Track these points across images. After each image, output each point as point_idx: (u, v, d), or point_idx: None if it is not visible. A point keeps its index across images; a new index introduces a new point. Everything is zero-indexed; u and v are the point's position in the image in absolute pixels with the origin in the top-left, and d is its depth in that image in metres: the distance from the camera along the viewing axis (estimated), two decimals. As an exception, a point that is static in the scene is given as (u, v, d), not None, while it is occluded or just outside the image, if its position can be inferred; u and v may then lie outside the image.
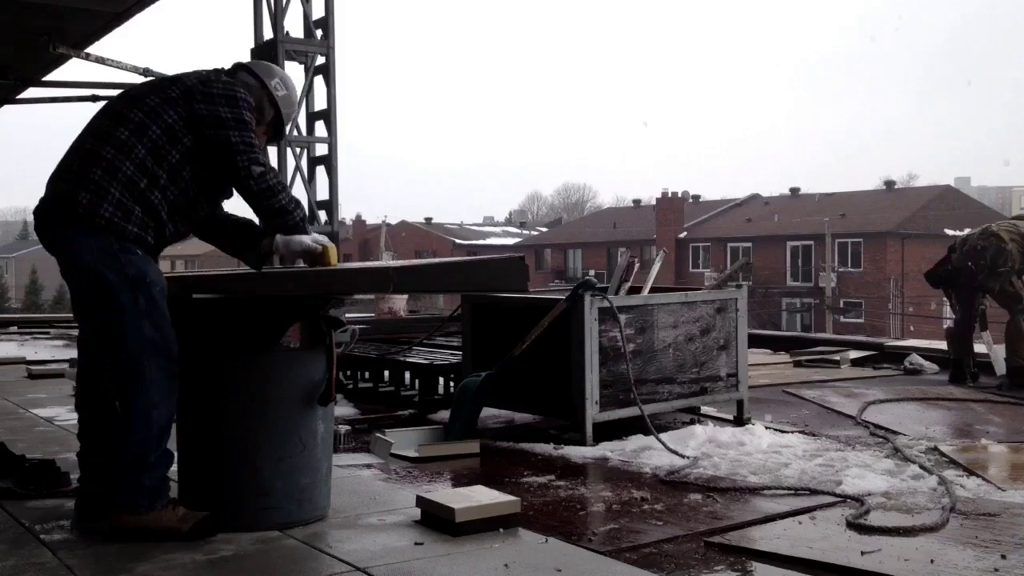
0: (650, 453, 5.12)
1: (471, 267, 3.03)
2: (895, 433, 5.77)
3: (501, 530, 3.45)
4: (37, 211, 3.43)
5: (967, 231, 8.49)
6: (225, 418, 3.55)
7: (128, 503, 3.33)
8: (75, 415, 6.13)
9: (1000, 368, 7.99)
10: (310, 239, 3.61)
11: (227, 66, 3.75)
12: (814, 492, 4.27)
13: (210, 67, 3.66)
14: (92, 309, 3.36)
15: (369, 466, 4.86)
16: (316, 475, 3.63)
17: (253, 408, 3.51)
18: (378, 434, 5.18)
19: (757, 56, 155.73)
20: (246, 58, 10.10)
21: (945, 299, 8.30)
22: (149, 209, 3.36)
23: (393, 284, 3.35)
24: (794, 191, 55.21)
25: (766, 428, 5.77)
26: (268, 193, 3.46)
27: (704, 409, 6.31)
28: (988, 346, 8.32)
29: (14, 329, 14.91)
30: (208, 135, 3.42)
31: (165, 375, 3.35)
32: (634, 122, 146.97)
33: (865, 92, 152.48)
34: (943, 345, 8.78)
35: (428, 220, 70.87)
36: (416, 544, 3.32)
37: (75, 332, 14.70)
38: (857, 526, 3.72)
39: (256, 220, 3.73)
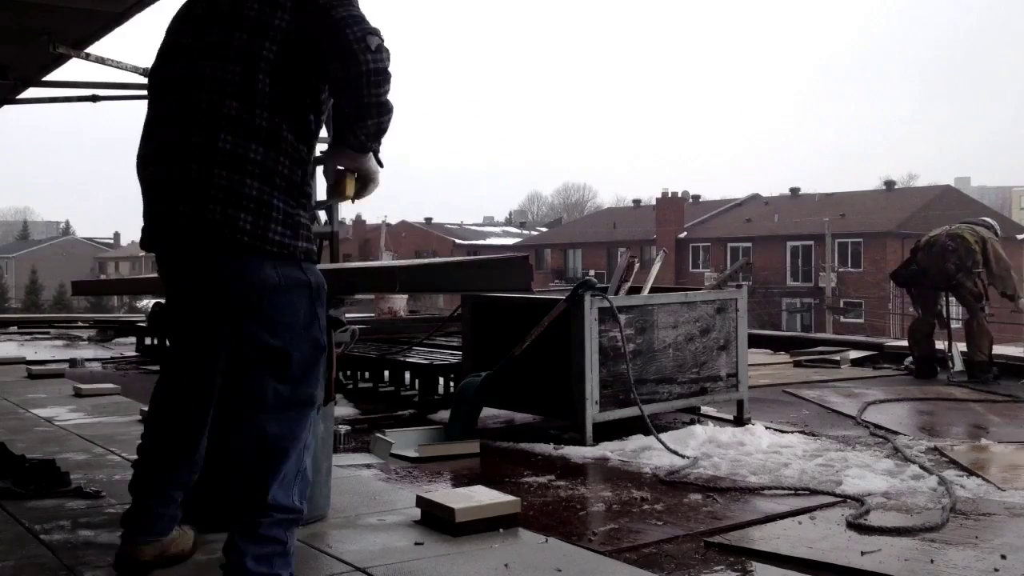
0: (650, 453, 5.13)
1: (475, 267, 3.03)
2: (895, 433, 5.78)
3: (501, 530, 3.45)
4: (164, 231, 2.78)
5: (933, 232, 8.89)
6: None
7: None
8: (75, 415, 6.18)
9: (958, 364, 8.40)
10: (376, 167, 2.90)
11: None
12: (814, 492, 4.27)
13: None
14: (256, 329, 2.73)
15: (369, 466, 4.86)
16: (316, 475, 3.62)
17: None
18: (378, 434, 5.18)
19: (757, 56, 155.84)
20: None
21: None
22: (293, 193, 2.75)
23: (399, 283, 3.34)
24: (794, 191, 55.24)
25: (766, 428, 5.77)
26: (381, 76, 2.62)
27: (704, 409, 6.31)
28: (949, 342, 8.69)
29: (14, 329, 14.91)
30: (314, 29, 2.64)
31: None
32: (634, 122, 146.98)
33: (865, 92, 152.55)
34: (943, 345, 8.81)
35: (428, 220, 70.90)
36: (416, 544, 3.32)
37: (75, 332, 14.66)
38: (857, 526, 3.72)
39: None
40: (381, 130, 2.74)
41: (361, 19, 2.65)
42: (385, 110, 2.69)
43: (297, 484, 2.73)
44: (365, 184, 2.93)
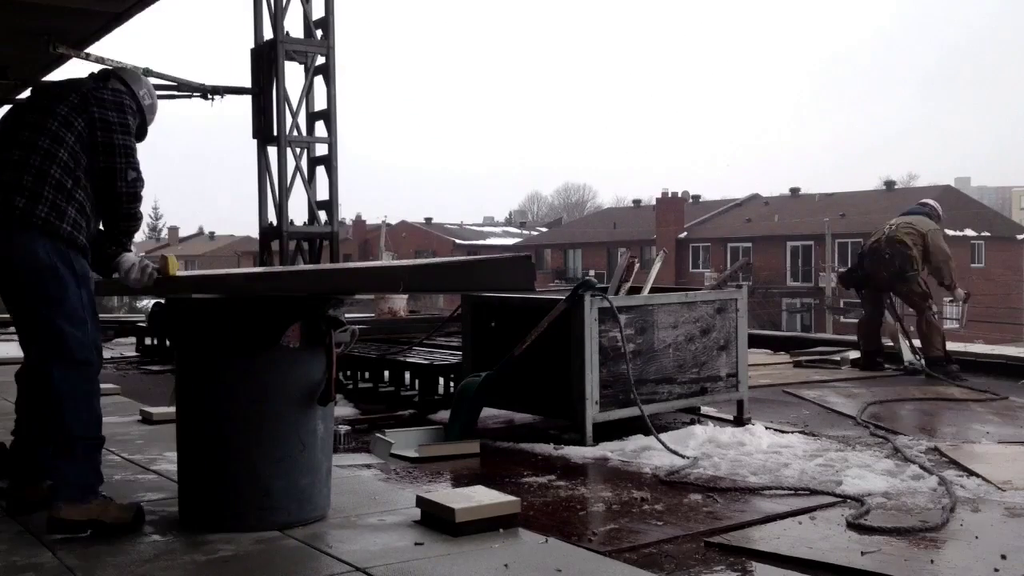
0: (650, 453, 5.13)
1: (478, 267, 3.03)
2: (895, 433, 5.77)
3: (501, 530, 3.44)
4: None
5: (874, 236, 9.28)
6: (225, 418, 3.54)
7: (79, 486, 3.52)
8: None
9: (907, 356, 8.88)
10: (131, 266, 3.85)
11: (98, 72, 4.12)
12: (814, 492, 4.27)
13: (93, 75, 4.04)
14: (38, 303, 3.63)
15: (369, 466, 4.86)
16: (316, 475, 3.63)
17: (253, 408, 3.51)
18: (378, 434, 5.18)
19: (758, 57, 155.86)
20: (246, 59, 10.15)
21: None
22: (79, 209, 3.67)
23: (404, 284, 3.34)
24: (794, 191, 55.24)
25: (766, 428, 5.77)
26: (132, 198, 3.79)
27: (704, 409, 6.32)
28: (893, 338, 9.19)
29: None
30: (97, 137, 3.74)
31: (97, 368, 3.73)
32: (634, 122, 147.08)
33: (865, 92, 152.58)
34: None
35: (428, 220, 70.89)
36: (416, 544, 3.32)
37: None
38: (857, 526, 3.72)
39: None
40: (129, 232, 3.95)
41: (131, 151, 3.83)
42: (131, 217, 3.92)
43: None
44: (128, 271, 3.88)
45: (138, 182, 3.79)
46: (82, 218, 3.69)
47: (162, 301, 3.80)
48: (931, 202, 9.59)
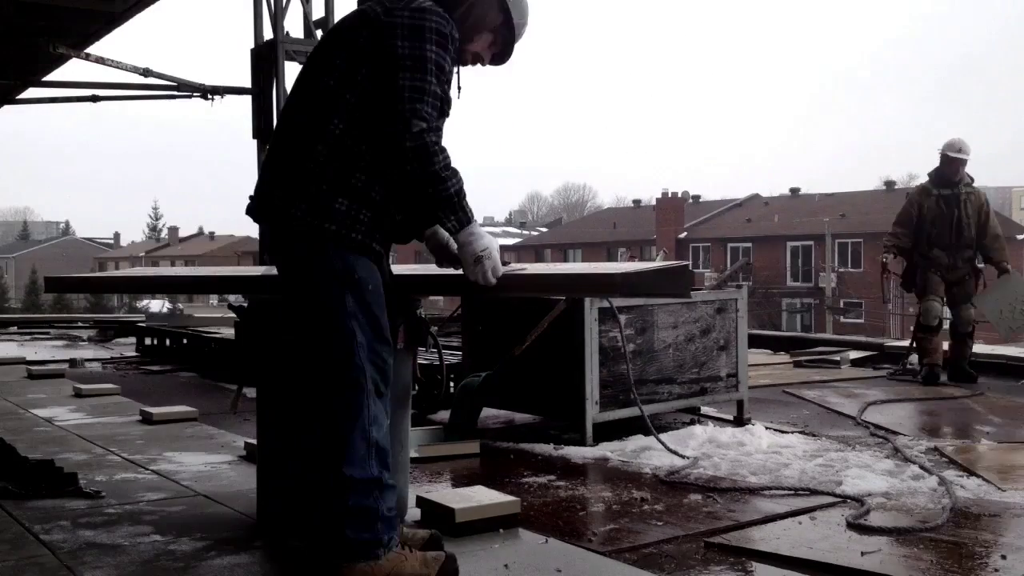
0: (650, 453, 5.13)
1: (665, 272, 2.97)
2: (895, 433, 5.78)
3: (501, 530, 3.45)
4: (248, 210, 2.98)
5: None
6: None
7: (364, 542, 2.74)
8: (75, 415, 6.18)
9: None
10: (482, 243, 2.81)
11: None
12: (814, 492, 4.27)
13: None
14: (302, 311, 2.93)
15: (369, 466, 4.85)
16: (408, 474, 3.66)
17: None
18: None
19: (758, 57, 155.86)
20: (246, 59, 10.13)
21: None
22: (354, 195, 2.78)
23: (619, 289, 3.25)
24: (794, 191, 55.26)
25: (766, 428, 5.77)
26: (419, 153, 2.69)
27: (704, 409, 6.32)
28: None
29: (14, 329, 14.92)
30: (380, 78, 2.73)
31: (375, 388, 2.86)
32: (634, 122, 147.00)
33: (866, 92, 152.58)
34: (943, 345, 8.78)
35: (428, 220, 70.73)
36: (416, 544, 3.31)
37: (75, 332, 14.72)
38: (857, 526, 3.72)
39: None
40: (438, 197, 2.76)
41: (421, 92, 2.74)
42: (429, 180, 2.74)
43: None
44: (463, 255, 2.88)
45: (426, 133, 2.68)
46: (362, 206, 2.80)
47: (244, 303, 3.70)
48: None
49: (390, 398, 2.95)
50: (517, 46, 3.10)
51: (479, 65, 3.09)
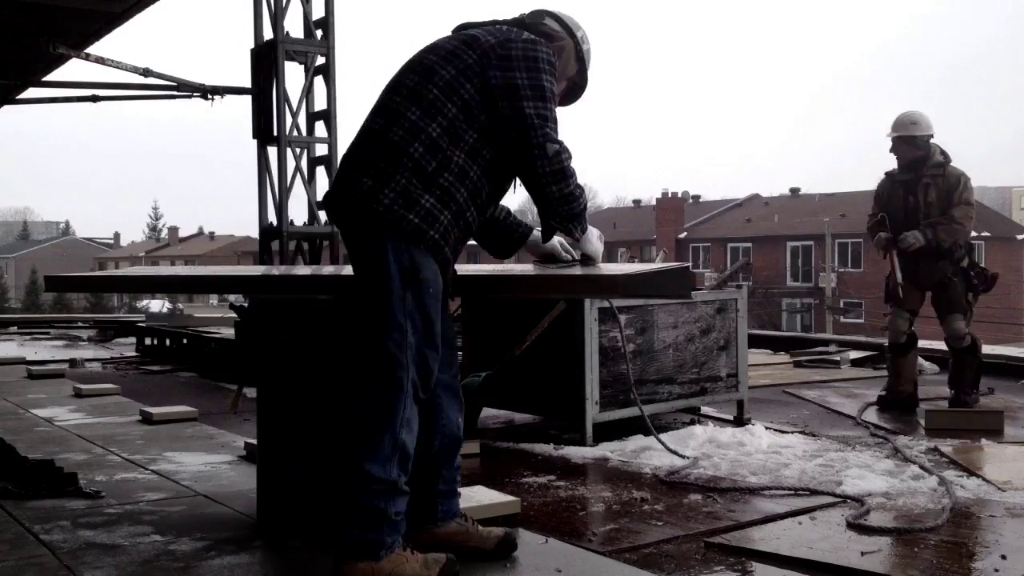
0: (650, 453, 5.13)
1: (668, 274, 2.97)
2: (895, 433, 5.77)
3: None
4: (329, 197, 3.07)
5: None
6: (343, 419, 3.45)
7: (365, 541, 2.79)
8: (75, 415, 6.18)
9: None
10: (597, 239, 3.19)
11: (527, 12, 3.26)
12: (814, 492, 4.27)
13: (515, 19, 3.20)
14: (360, 301, 2.94)
15: (369, 466, 4.85)
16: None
17: None
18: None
19: (758, 57, 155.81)
20: (246, 59, 10.14)
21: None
22: (440, 196, 2.90)
23: (622, 290, 3.24)
24: (794, 191, 55.23)
25: (766, 428, 5.76)
26: (559, 176, 2.93)
27: (704, 409, 6.32)
28: None
29: (14, 329, 14.92)
30: (501, 107, 2.93)
31: (415, 391, 2.91)
32: (634, 122, 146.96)
33: (866, 93, 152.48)
34: (943, 345, 8.76)
35: (428, 220, 70.77)
36: (416, 544, 3.31)
37: (75, 332, 14.72)
38: (857, 526, 3.72)
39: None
40: (570, 214, 3.04)
41: (546, 120, 2.96)
42: (564, 200, 3.01)
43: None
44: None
45: (562, 155, 2.93)
46: (444, 208, 2.90)
47: (245, 303, 3.70)
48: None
49: None
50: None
51: None
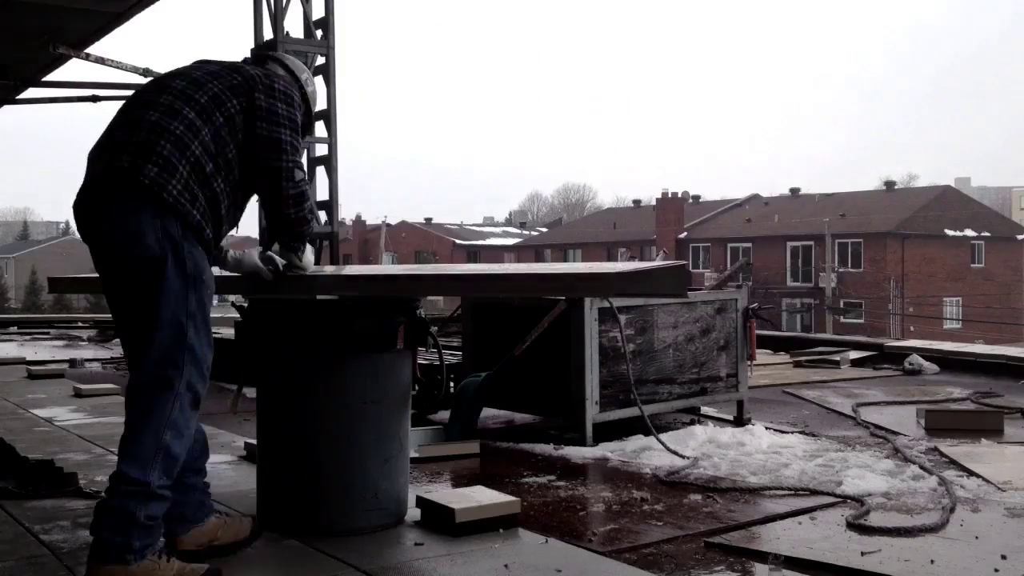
0: (650, 453, 5.13)
1: (656, 273, 3.02)
2: (895, 433, 5.78)
3: (501, 530, 3.44)
4: (85, 187, 2.98)
5: None
6: (342, 419, 3.47)
7: (114, 544, 2.72)
8: (75, 415, 6.17)
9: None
10: (311, 252, 3.43)
11: (250, 55, 3.58)
12: (814, 492, 4.27)
13: (234, 59, 3.39)
14: (140, 302, 2.89)
15: (369, 466, 4.85)
16: (407, 475, 3.67)
17: (368, 409, 3.48)
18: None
19: (758, 57, 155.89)
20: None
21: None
22: (212, 197, 2.99)
23: (614, 289, 3.28)
24: (794, 191, 55.21)
25: (766, 428, 5.77)
26: (299, 200, 3.19)
27: (704, 409, 6.32)
28: None
29: (14, 329, 14.92)
30: (261, 128, 3.11)
31: (191, 394, 2.92)
32: (634, 122, 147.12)
33: (866, 93, 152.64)
34: (943, 345, 8.80)
35: (428, 220, 70.85)
36: (416, 544, 3.32)
37: (75, 332, 14.70)
38: (857, 526, 3.72)
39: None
40: (300, 235, 3.32)
41: (296, 149, 3.22)
42: (299, 222, 3.26)
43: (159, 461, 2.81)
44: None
45: (304, 183, 3.22)
46: (213, 211, 3.00)
47: (245, 303, 3.72)
48: None
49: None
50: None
51: None
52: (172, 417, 2.83)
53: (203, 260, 2.95)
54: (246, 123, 3.10)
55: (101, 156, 2.97)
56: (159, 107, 2.99)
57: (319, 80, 10.05)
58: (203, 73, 3.15)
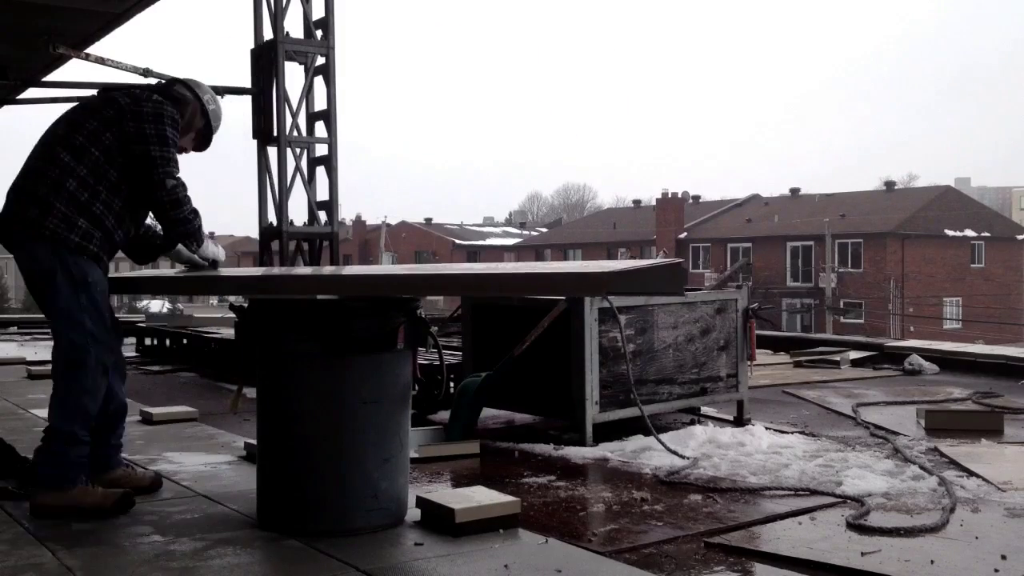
0: (650, 454, 5.13)
1: (655, 271, 3.02)
2: (895, 433, 5.78)
3: (501, 531, 3.45)
4: (0, 221, 3.86)
5: None
6: (342, 419, 3.48)
7: (53, 476, 3.68)
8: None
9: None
10: (214, 245, 4.18)
11: (164, 81, 4.32)
12: (814, 493, 4.27)
13: (149, 86, 4.15)
14: (47, 305, 3.81)
15: (369, 466, 4.85)
16: (407, 475, 3.67)
17: (368, 409, 3.48)
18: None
19: (758, 57, 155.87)
20: (246, 59, 10.15)
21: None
22: (92, 220, 3.76)
23: (606, 287, 3.28)
24: (794, 191, 55.22)
25: (766, 428, 5.77)
26: (175, 204, 3.86)
27: (704, 410, 6.32)
28: None
29: (14, 329, 14.92)
30: (133, 150, 3.82)
31: (101, 366, 3.77)
32: (634, 122, 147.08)
33: (865, 93, 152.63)
34: (943, 345, 8.80)
35: (428, 220, 70.87)
36: (416, 545, 3.32)
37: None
38: (857, 527, 3.72)
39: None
40: (186, 232, 4.01)
41: (167, 160, 3.86)
42: (180, 223, 3.94)
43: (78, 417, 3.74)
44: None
45: (178, 188, 3.85)
46: (97, 228, 3.78)
47: (244, 303, 3.82)
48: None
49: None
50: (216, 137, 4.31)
51: (184, 153, 4.13)
52: (86, 385, 3.73)
53: (89, 266, 3.75)
54: (122, 148, 3.81)
55: (8, 197, 3.84)
56: (42, 157, 3.82)
57: (319, 80, 10.06)
58: (81, 113, 3.90)
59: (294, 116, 9.83)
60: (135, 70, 10.46)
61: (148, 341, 11.12)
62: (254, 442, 4.14)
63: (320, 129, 10.17)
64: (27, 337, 13.51)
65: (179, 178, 3.90)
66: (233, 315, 4.17)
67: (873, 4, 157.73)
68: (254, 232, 10.59)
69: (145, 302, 41.69)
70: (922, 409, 6.36)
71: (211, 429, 5.71)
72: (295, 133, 9.87)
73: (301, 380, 3.52)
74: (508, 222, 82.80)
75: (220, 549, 3.28)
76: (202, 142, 4.24)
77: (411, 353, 3.64)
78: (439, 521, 3.47)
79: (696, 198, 58.43)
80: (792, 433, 5.76)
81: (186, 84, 4.16)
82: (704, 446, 5.29)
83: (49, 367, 9.32)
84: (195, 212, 3.95)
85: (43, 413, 6.30)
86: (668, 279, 2.96)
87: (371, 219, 67.64)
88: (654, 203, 54.61)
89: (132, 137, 3.82)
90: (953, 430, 5.81)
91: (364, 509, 3.47)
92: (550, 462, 5.02)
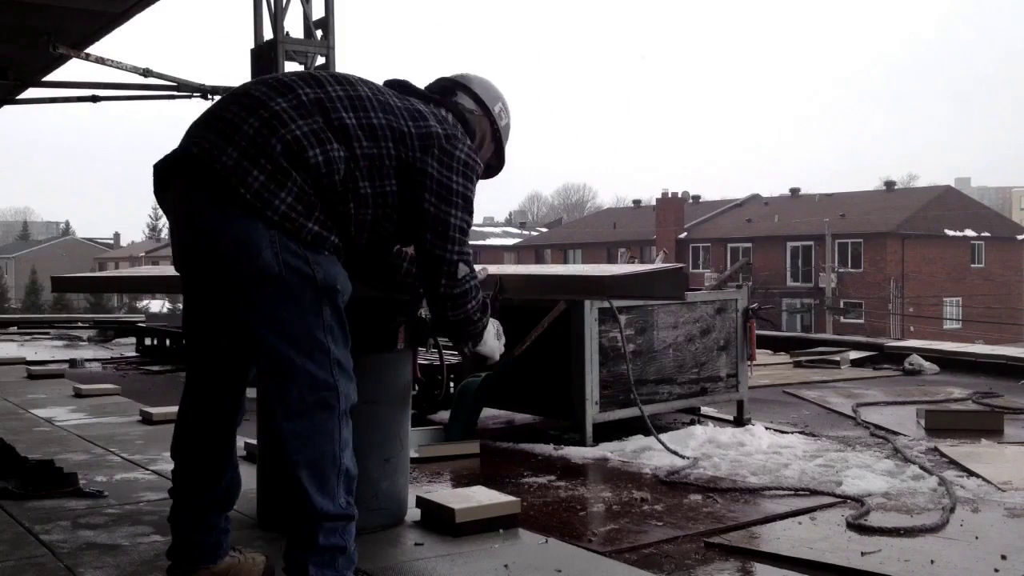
0: (650, 454, 5.13)
1: (657, 276, 2.99)
2: (895, 433, 5.78)
3: (501, 531, 3.44)
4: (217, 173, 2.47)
5: None
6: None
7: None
8: (75, 415, 6.17)
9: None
10: (495, 337, 3.11)
11: (440, 76, 3.15)
12: (814, 492, 4.27)
13: (435, 87, 3.02)
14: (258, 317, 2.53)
15: (369, 466, 4.85)
16: (407, 475, 3.66)
17: (368, 409, 3.45)
18: (378, 434, 5.17)
19: (758, 57, 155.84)
20: (245, 59, 10.13)
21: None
22: (333, 214, 2.56)
23: (608, 291, 3.27)
24: (794, 191, 55.21)
25: (766, 428, 5.77)
26: (459, 300, 2.77)
27: (704, 410, 6.32)
28: None
29: (14, 329, 14.91)
30: (427, 199, 2.67)
31: (352, 407, 2.67)
32: (634, 122, 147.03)
33: (866, 93, 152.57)
34: (943, 345, 8.81)
35: (428, 220, 70.72)
36: (416, 544, 3.31)
37: (75, 333, 14.64)
38: (857, 527, 3.72)
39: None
40: (462, 335, 2.98)
41: (465, 234, 2.76)
42: (459, 324, 2.88)
43: (341, 485, 2.57)
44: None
45: (469, 279, 2.75)
46: (334, 224, 2.57)
47: None
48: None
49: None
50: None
51: None
52: (342, 437, 2.56)
53: (332, 266, 2.56)
54: (404, 179, 2.64)
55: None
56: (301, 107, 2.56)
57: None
58: (368, 92, 2.70)
59: (294, 116, 9.82)
60: (135, 70, 10.47)
61: (148, 341, 11.12)
62: (254, 442, 4.14)
63: (320, 129, 10.16)
64: (27, 337, 13.51)
65: (471, 260, 2.78)
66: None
67: (874, 5, 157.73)
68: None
69: (145, 302, 41.71)
70: (922, 409, 6.35)
71: (211, 429, 5.70)
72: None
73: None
74: (508, 222, 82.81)
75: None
76: (485, 175, 3.09)
77: (411, 353, 3.64)
78: (439, 521, 3.46)
79: (696, 198, 58.43)
80: (792, 433, 5.76)
81: (471, 91, 3.06)
82: (704, 446, 5.29)
83: (50, 367, 9.32)
84: (485, 308, 2.89)
85: (43, 413, 6.34)
86: (670, 283, 2.97)
87: (371, 219, 67.45)
88: (654, 203, 54.62)
89: (433, 185, 2.68)
90: (953, 430, 5.81)
91: (364, 509, 3.46)
92: (550, 462, 5.02)
